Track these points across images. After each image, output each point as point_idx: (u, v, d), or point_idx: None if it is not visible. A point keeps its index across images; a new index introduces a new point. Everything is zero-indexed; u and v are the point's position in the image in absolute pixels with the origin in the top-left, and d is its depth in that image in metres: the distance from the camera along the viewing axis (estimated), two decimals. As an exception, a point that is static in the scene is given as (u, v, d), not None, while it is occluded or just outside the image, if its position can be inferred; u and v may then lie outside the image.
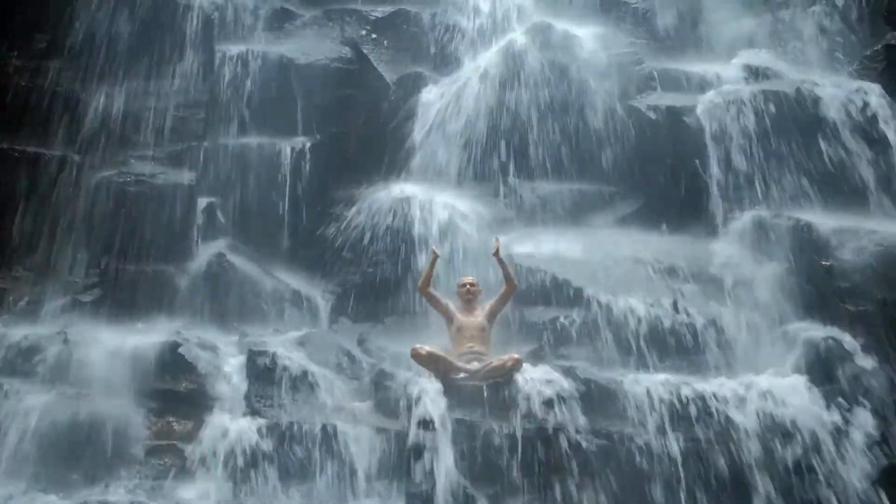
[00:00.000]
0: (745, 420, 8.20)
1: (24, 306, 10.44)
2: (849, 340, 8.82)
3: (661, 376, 8.75)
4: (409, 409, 8.36)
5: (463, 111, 12.39)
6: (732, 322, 9.60)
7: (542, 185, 11.97)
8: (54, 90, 12.10)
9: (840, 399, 8.35)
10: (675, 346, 9.39)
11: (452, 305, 9.57)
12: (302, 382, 9.06)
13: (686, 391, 8.43)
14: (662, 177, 11.84)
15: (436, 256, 9.72)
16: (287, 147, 12.27)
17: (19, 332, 9.59)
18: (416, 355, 8.91)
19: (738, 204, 11.07)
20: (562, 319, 9.75)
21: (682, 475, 8.00)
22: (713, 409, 8.29)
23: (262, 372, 9.06)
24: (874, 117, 11.24)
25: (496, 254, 9.61)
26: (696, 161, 11.58)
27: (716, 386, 8.54)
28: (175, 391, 9.02)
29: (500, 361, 8.75)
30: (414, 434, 8.16)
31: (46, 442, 8.41)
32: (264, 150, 12.23)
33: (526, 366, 8.74)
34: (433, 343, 9.22)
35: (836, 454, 7.99)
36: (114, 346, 9.27)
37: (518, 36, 12.90)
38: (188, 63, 12.79)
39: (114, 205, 11.11)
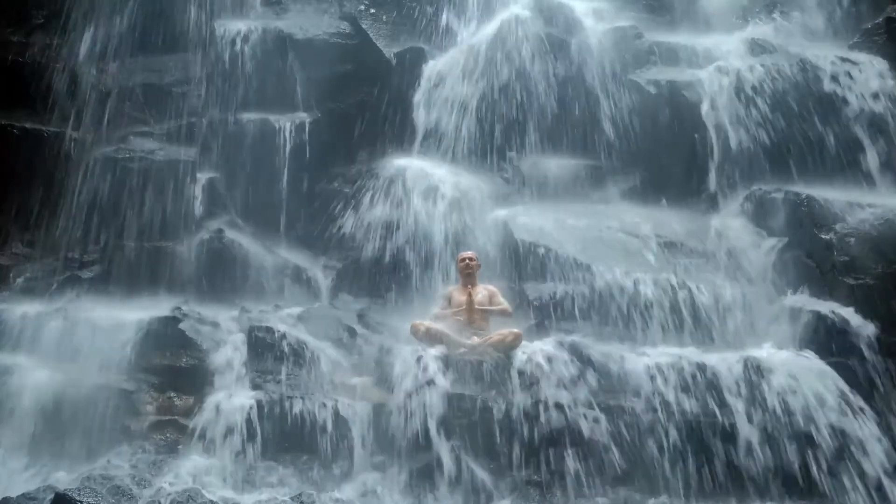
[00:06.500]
0: (745, 392, 8.23)
1: (24, 283, 10.45)
2: (848, 313, 8.84)
3: (662, 350, 8.80)
4: (410, 385, 8.37)
5: (463, 86, 12.33)
6: (732, 296, 9.61)
7: (543, 159, 11.94)
8: (53, 66, 12.05)
9: (839, 371, 8.37)
10: (675, 319, 9.42)
11: (451, 293, 9.62)
12: (302, 358, 9.06)
13: (686, 365, 8.45)
14: (662, 151, 11.82)
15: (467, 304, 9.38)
16: (287, 123, 12.24)
17: (20, 309, 9.59)
18: (416, 331, 8.95)
19: (738, 178, 11.08)
20: (562, 294, 9.77)
21: (683, 448, 8.04)
22: (713, 382, 8.31)
23: (262, 347, 9.06)
24: (874, 91, 11.21)
25: (471, 306, 9.32)
26: (696, 135, 11.57)
27: (716, 359, 8.55)
28: (176, 367, 9.00)
29: (499, 336, 8.78)
30: (414, 409, 8.20)
31: (48, 417, 8.41)
32: (264, 125, 12.21)
33: (526, 341, 8.77)
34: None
35: (837, 425, 8.01)
36: (114, 321, 9.26)
37: (518, 10, 12.81)
38: (187, 39, 12.75)
39: (113, 181, 11.08)
